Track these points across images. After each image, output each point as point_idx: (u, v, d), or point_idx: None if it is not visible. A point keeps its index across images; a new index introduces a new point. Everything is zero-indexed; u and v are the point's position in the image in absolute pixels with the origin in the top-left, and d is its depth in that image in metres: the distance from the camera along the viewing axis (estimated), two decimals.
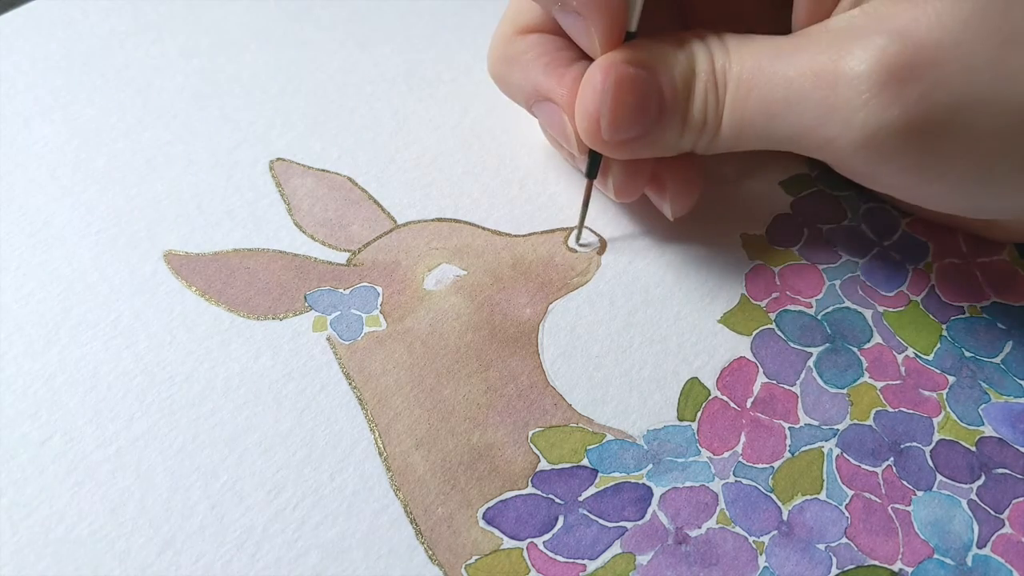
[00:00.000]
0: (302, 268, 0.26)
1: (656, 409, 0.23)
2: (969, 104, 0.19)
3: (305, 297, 0.25)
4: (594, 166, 0.24)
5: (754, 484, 0.22)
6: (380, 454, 0.22)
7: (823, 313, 0.25)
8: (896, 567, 0.21)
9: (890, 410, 0.23)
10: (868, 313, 0.25)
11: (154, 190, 0.27)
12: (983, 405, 0.23)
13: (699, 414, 0.23)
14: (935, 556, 0.21)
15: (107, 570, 0.20)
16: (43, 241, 0.26)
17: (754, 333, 0.25)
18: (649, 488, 0.22)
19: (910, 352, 0.24)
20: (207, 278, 0.25)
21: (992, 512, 0.22)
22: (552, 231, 0.27)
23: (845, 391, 0.24)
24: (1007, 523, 0.21)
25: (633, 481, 0.22)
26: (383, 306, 0.25)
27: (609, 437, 0.23)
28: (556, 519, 0.21)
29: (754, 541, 0.21)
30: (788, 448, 0.22)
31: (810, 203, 0.28)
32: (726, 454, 0.22)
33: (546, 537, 0.21)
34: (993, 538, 0.21)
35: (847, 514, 0.21)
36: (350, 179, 0.28)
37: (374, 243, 0.26)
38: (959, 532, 0.21)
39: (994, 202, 0.22)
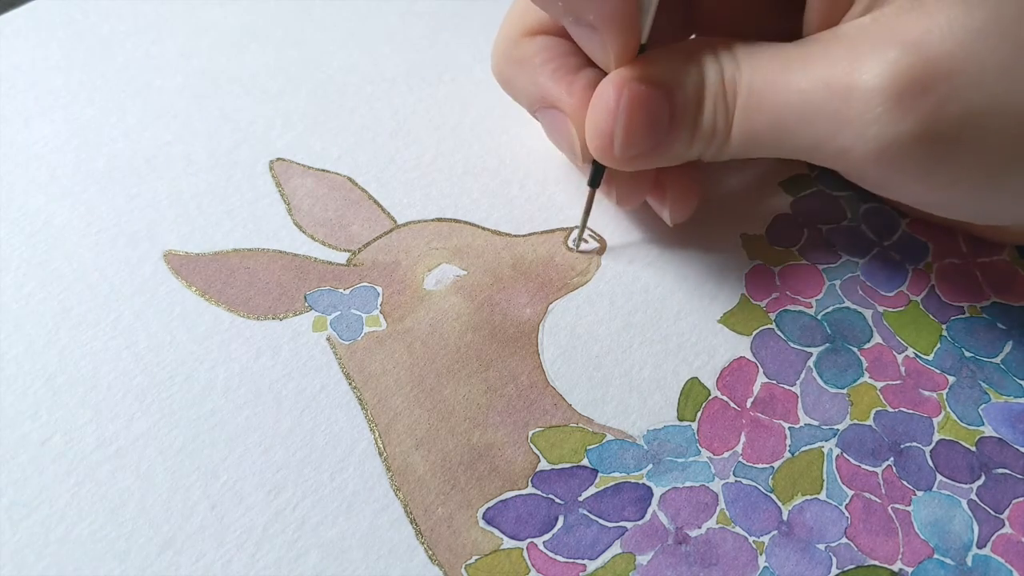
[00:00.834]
0: (302, 268, 0.26)
1: (656, 409, 0.23)
2: (982, 114, 0.19)
3: (305, 297, 0.25)
4: (597, 175, 0.24)
5: (754, 484, 0.22)
6: (380, 454, 0.22)
7: (823, 313, 0.25)
8: (896, 567, 0.21)
9: (890, 410, 0.23)
10: (868, 313, 0.25)
11: (154, 190, 0.27)
12: (983, 405, 0.23)
13: (699, 414, 0.23)
14: (935, 556, 0.21)
15: (107, 570, 0.20)
16: (43, 241, 0.26)
17: (754, 333, 0.25)
18: (649, 488, 0.22)
19: (910, 352, 0.24)
20: (207, 278, 0.25)
21: (992, 512, 0.22)
22: (552, 231, 0.27)
23: (845, 391, 0.24)
24: (1007, 523, 0.21)
25: (633, 481, 0.22)
26: (383, 306, 0.25)
27: (609, 437, 0.23)
28: (556, 519, 0.21)
29: (754, 541, 0.21)
30: (788, 448, 0.22)
31: (810, 203, 0.28)
32: (726, 454, 0.22)
33: (546, 537, 0.21)
34: (993, 538, 0.21)
35: (847, 514, 0.21)
36: (350, 179, 0.28)
37: (374, 243, 0.26)
38: (959, 532, 0.21)
39: (1006, 209, 0.22)
